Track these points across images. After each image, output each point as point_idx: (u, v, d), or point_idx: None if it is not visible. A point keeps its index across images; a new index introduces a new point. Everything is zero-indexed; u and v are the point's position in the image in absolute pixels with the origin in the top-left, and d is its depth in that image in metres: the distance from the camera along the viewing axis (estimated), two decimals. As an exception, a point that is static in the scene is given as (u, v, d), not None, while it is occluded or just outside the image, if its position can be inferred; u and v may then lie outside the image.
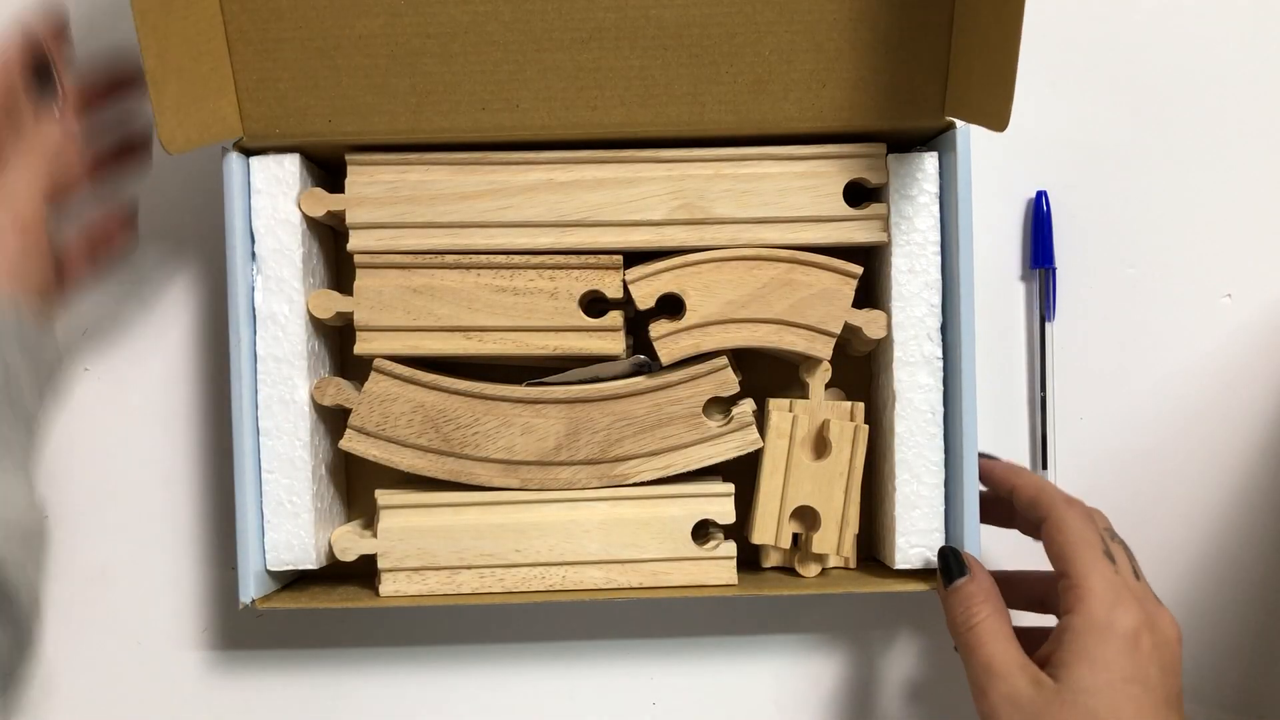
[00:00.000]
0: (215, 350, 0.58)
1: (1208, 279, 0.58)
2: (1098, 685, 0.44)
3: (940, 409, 0.51)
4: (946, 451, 0.52)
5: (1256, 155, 0.58)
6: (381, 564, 0.52)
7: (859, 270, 0.51)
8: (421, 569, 0.52)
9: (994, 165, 0.58)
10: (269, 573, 0.52)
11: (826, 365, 0.52)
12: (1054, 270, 0.58)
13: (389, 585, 0.52)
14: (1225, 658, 0.58)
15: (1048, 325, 0.58)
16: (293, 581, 0.55)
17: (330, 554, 0.53)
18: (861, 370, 0.56)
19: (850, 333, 0.52)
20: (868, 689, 0.59)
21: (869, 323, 0.52)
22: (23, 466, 0.47)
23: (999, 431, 0.58)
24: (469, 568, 0.52)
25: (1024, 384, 0.58)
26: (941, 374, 0.51)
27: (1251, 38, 0.58)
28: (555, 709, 0.59)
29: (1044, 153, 0.58)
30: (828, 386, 0.53)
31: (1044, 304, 0.58)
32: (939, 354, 0.51)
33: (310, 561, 0.52)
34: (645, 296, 0.51)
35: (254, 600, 0.51)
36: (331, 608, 0.52)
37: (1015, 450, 0.58)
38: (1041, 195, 0.58)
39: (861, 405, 0.53)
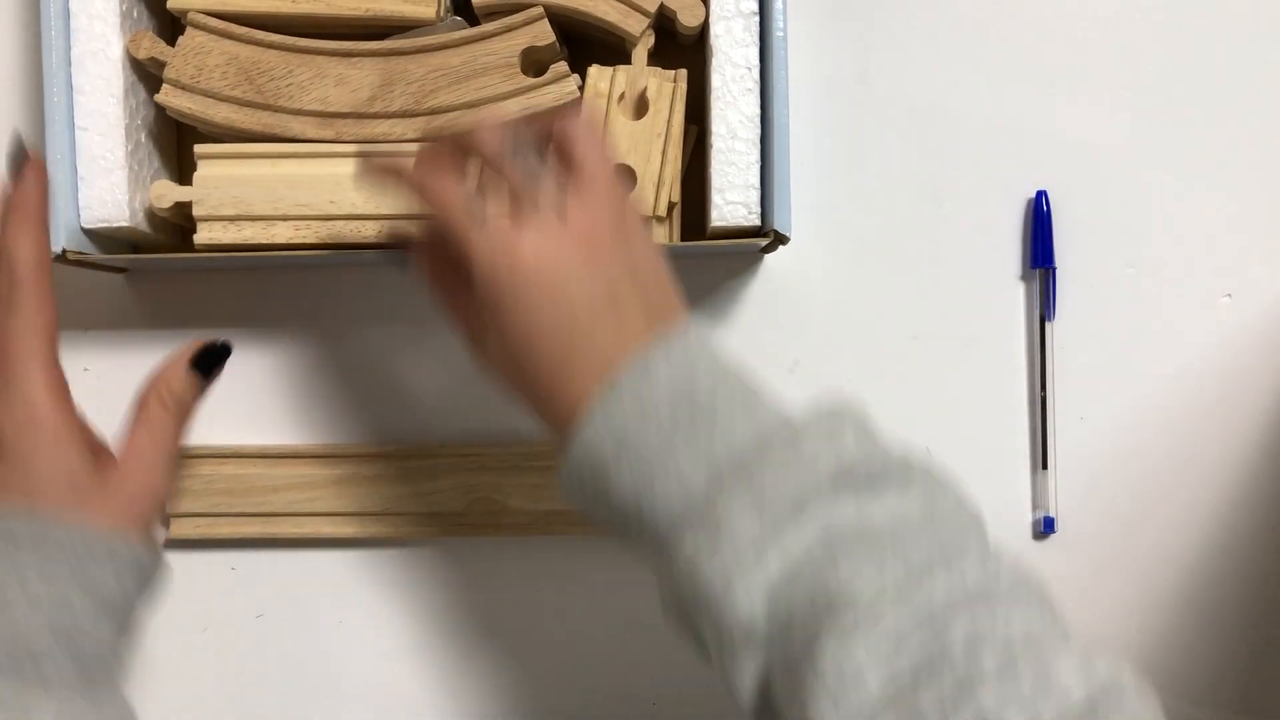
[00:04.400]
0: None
1: (1208, 279, 0.58)
2: None
3: (756, 64, 0.52)
4: (763, 108, 0.52)
5: (1256, 155, 0.58)
6: (197, 211, 0.52)
7: None
8: (237, 218, 0.52)
9: (994, 165, 0.58)
10: (89, 236, 0.53)
11: (650, 35, 0.53)
12: (1054, 270, 0.58)
13: (204, 234, 0.52)
14: (1225, 658, 0.58)
15: (1048, 325, 0.58)
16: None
17: (148, 216, 0.53)
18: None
19: (672, 18, 0.53)
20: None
21: (683, 8, 0.52)
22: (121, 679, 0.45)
23: (1000, 431, 0.58)
24: (284, 219, 0.52)
25: (1024, 384, 0.58)
26: (758, 29, 0.52)
27: (1251, 38, 0.58)
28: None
29: (1044, 153, 0.58)
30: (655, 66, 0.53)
31: (1044, 304, 0.58)
32: (755, 8, 0.52)
33: (125, 219, 0.52)
34: None
35: (64, 250, 0.51)
36: (146, 257, 0.54)
37: (1015, 450, 0.58)
38: (1041, 195, 0.58)
39: (684, 71, 0.53)
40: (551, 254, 0.41)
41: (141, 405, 0.47)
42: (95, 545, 0.43)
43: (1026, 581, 0.38)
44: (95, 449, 0.46)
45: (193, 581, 0.58)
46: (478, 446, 0.57)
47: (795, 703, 0.36)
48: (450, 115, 0.52)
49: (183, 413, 0.47)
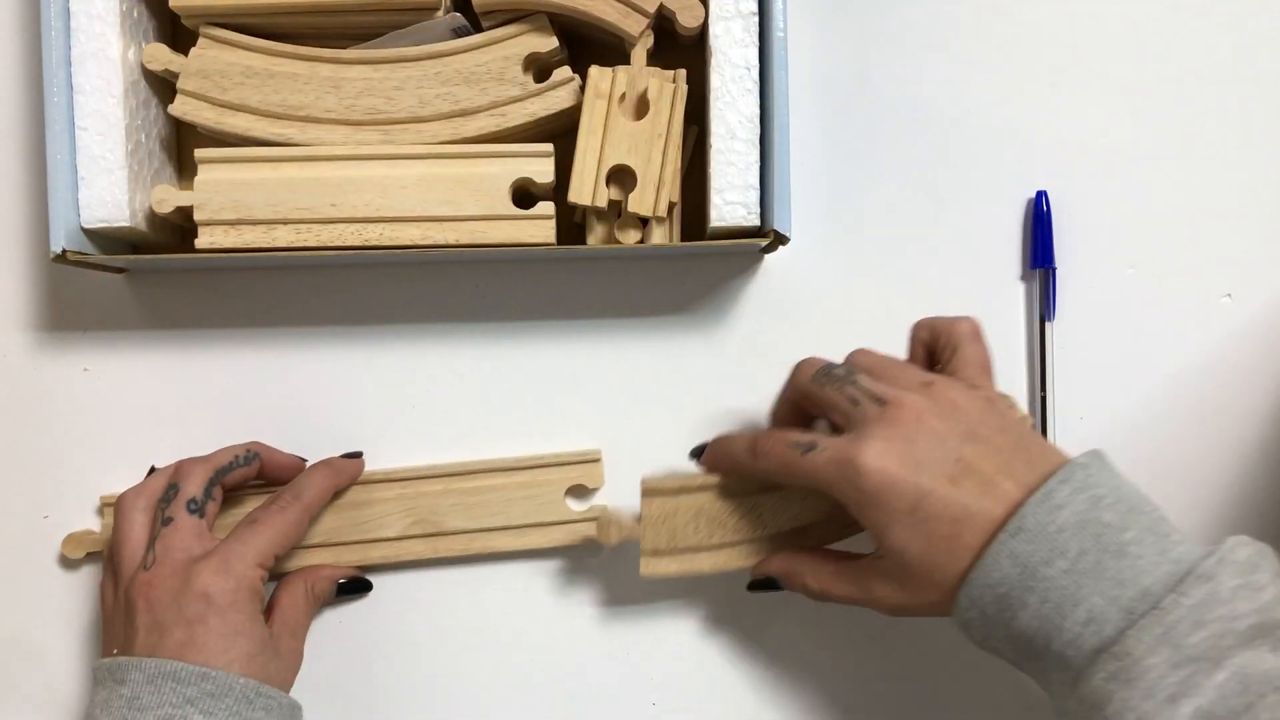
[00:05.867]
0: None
1: (1208, 279, 0.58)
2: None
3: (756, 65, 0.52)
4: (762, 108, 0.52)
5: (1256, 155, 0.58)
6: (198, 215, 0.52)
7: None
8: (238, 222, 0.52)
9: (994, 165, 0.58)
10: (89, 236, 0.53)
11: (649, 35, 0.53)
12: (1054, 270, 0.58)
13: (205, 238, 0.52)
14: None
15: (1048, 325, 0.58)
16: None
17: (149, 216, 0.54)
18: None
19: (671, 18, 0.53)
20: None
21: (683, 9, 0.52)
22: None
23: (999, 431, 0.58)
24: (285, 222, 0.52)
25: (1024, 384, 0.58)
26: (758, 29, 0.52)
27: (1251, 38, 0.58)
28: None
29: (1044, 153, 0.58)
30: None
31: (1044, 304, 0.58)
32: (754, 9, 0.52)
33: (125, 219, 0.52)
34: None
35: (64, 250, 0.51)
36: (146, 258, 0.55)
37: (1015, 450, 0.58)
38: (1041, 195, 0.58)
39: (684, 71, 0.53)
40: (884, 451, 0.44)
41: (293, 584, 0.55)
42: (258, 694, 0.49)
43: None
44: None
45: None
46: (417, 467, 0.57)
47: None
48: (457, 119, 0.53)
49: (318, 606, 0.57)
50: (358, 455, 0.58)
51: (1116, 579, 0.41)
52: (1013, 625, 0.43)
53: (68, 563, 0.58)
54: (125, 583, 0.51)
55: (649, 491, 0.52)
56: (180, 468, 0.53)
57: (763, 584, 0.53)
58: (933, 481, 0.44)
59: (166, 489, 0.52)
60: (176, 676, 0.47)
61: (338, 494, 0.56)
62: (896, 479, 0.44)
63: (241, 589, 0.50)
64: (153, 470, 0.56)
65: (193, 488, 0.52)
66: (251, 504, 0.55)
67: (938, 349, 0.51)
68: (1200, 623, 0.39)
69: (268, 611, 0.54)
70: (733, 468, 0.52)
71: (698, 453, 0.55)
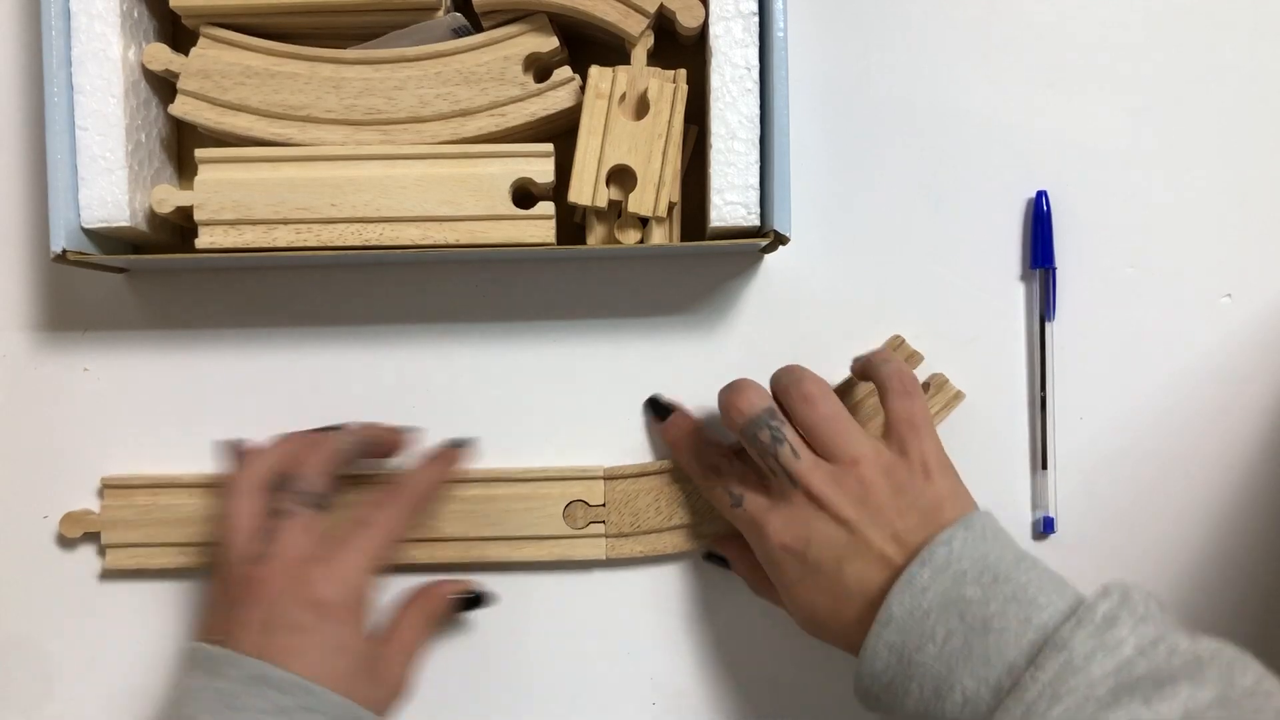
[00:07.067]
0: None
1: (1208, 279, 0.58)
2: None
3: (756, 65, 0.52)
4: (762, 108, 0.52)
5: (1256, 155, 0.58)
6: (198, 215, 0.52)
7: None
8: (238, 222, 0.52)
9: (994, 165, 0.58)
10: (89, 236, 0.53)
11: (649, 35, 0.53)
12: (1054, 270, 0.58)
13: (205, 238, 0.52)
14: (1226, 658, 0.58)
15: (1048, 325, 0.58)
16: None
17: (149, 216, 0.54)
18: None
19: (671, 18, 0.53)
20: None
21: (683, 9, 0.52)
22: None
23: (999, 431, 0.58)
24: (285, 222, 0.52)
25: (1024, 384, 0.58)
26: (758, 29, 0.52)
27: (1251, 38, 0.58)
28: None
29: (1044, 153, 0.58)
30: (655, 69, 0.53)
31: (1044, 304, 0.58)
32: (755, 9, 0.52)
33: (125, 219, 0.52)
34: None
35: (64, 250, 0.51)
36: (146, 258, 0.55)
37: (1015, 450, 0.58)
38: (1041, 195, 0.58)
39: (684, 71, 0.53)
40: (784, 529, 0.49)
41: (412, 606, 0.54)
42: (351, 714, 0.47)
43: None
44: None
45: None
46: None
47: None
48: (457, 119, 0.53)
49: (435, 627, 0.56)
50: (464, 443, 0.57)
51: (983, 657, 0.42)
52: (905, 709, 0.44)
53: (68, 562, 0.58)
54: (234, 571, 0.49)
55: (612, 476, 0.56)
56: (296, 455, 0.52)
57: (717, 558, 0.57)
58: (819, 561, 0.47)
59: (280, 477, 0.51)
60: (279, 684, 0.45)
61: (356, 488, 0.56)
62: (790, 553, 0.48)
63: (352, 599, 0.49)
64: (232, 445, 0.55)
65: (311, 480, 0.51)
66: (349, 490, 0.55)
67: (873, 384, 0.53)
68: (1057, 697, 0.39)
69: (384, 634, 0.52)
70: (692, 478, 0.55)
71: (658, 408, 0.57)
